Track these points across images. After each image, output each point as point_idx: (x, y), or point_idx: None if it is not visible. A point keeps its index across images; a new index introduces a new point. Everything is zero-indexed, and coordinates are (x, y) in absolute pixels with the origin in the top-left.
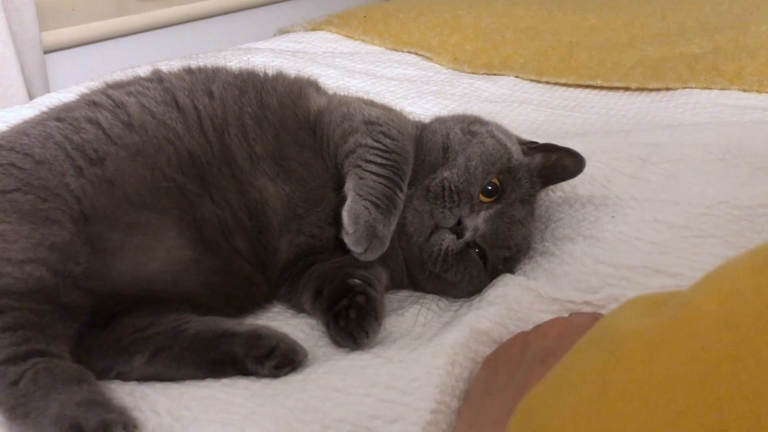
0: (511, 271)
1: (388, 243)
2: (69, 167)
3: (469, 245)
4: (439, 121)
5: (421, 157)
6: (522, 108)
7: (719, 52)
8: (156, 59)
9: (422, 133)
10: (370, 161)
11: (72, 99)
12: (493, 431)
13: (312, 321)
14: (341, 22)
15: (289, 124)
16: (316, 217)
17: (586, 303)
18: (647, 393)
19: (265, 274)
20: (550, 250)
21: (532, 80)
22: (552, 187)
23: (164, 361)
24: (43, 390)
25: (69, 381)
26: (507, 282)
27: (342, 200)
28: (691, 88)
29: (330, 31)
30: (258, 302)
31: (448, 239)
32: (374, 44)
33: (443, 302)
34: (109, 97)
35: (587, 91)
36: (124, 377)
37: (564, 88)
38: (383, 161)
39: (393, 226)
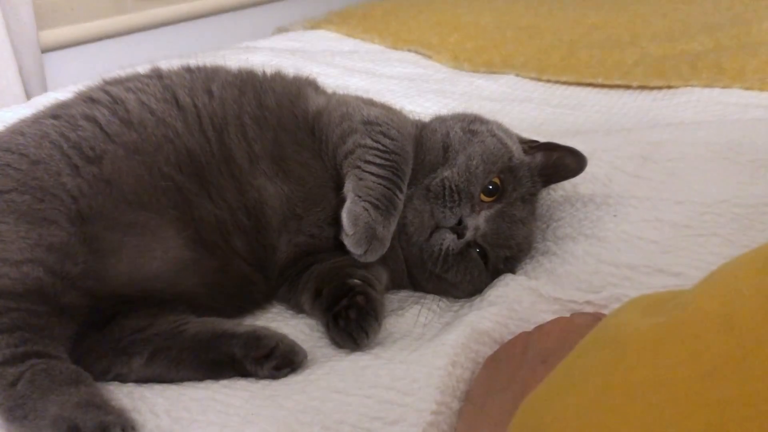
0: (513, 270)
1: (388, 244)
2: (65, 166)
3: (469, 245)
4: (439, 120)
5: (420, 156)
6: (523, 106)
7: (721, 49)
8: (154, 58)
9: (422, 133)
10: (369, 162)
11: (70, 96)
12: None
13: (311, 321)
14: (340, 20)
15: (287, 124)
16: (316, 216)
17: (588, 303)
18: (649, 393)
19: (264, 274)
20: (551, 249)
21: (533, 78)
22: (553, 186)
23: (163, 363)
24: (41, 391)
25: (67, 382)
26: (508, 282)
27: (341, 201)
28: (692, 86)
29: (329, 29)
30: (257, 302)
31: (448, 239)
32: (374, 43)
33: (444, 302)
34: (107, 93)
35: (588, 89)
36: (122, 378)
37: (565, 86)
38: (382, 161)
39: (393, 227)
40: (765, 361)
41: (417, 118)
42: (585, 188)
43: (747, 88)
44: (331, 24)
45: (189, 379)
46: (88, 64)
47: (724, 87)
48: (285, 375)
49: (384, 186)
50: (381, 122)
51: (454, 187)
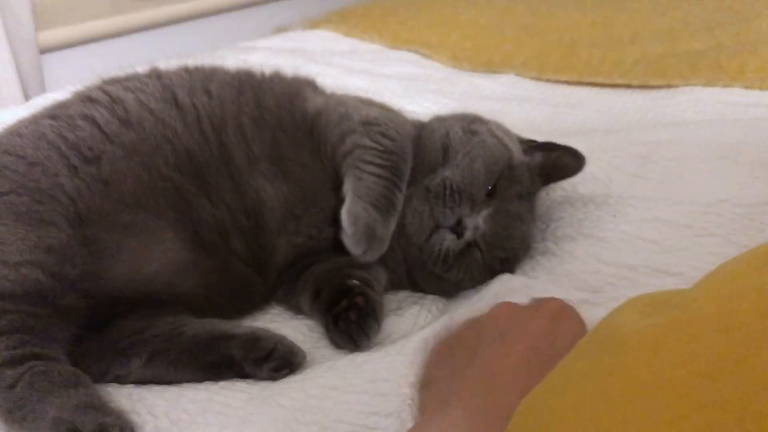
0: (512, 269)
1: (387, 244)
2: (63, 167)
3: (469, 245)
4: (438, 120)
5: (420, 156)
6: (522, 106)
7: (721, 48)
8: (153, 58)
9: (421, 133)
10: (368, 162)
11: (68, 97)
12: (472, 404)
13: (310, 322)
14: (339, 20)
15: (286, 124)
16: (315, 217)
17: (585, 301)
18: (648, 394)
19: (262, 275)
20: (550, 249)
21: (533, 78)
22: (552, 185)
23: (162, 364)
24: (40, 394)
25: (65, 384)
26: (505, 281)
27: (340, 201)
28: (693, 85)
29: (328, 29)
30: (256, 303)
31: (448, 239)
32: (373, 42)
33: (442, 303)
34: (105, 92)
35: (588, 88)
36: (121, 380)
37: (565, 85)
38: (381, 162)
39: (392, 227)
40: (764, 360)
41: (416, 118)
42: (584, 188)
43: (747, 87)
44: (330, 24)
45: (188, 381)
46: (87, 65)
47: (724, 86)
48: (284, 376)
49: (383, 186)
50: (380, 122)
51: (455, 187)
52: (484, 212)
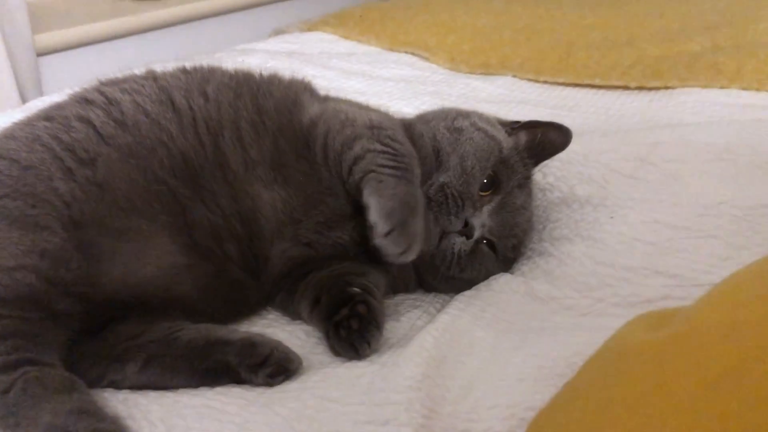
0: (519, 255)
1: (422, 241)
2: (57, 170)
3: (478, 241)
4: (422, 121)
5: None
6: (520, 108)
7: (719, 50)
8: (151, 61)
9: (411, 138)
10: (384, 165)
11: (64, 98)
12: None
13: (307, 327)
14: (337, 22)
15: (286, 131)
16: (315, 220)
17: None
18: (653, 404)
19: (258, 280)
20: (548, 250)
21: (530, 80)
22: (550, 187)
23: (157, 370)
24: (34, 399)
25: (60, 390)
26: (503, 282)
27: (340, 207)
28: (690, 86)
29: (326, 31)
30: (252, 308)
31: (458, 242)
32: (371, 44)
33: (440, 304)
34: (102, 94)
35: (585, 90)
36: (116, 385)
37: (562, 87)
38: (397, 164)
39: (422, 225)
40: (767, 370)
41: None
42: (582, 190)
43: (745, 89)
44: (328, 26)
45: (184, 386)
46: (84, 68)
47: (721, 87)
48: (280, 382)
49: (405, 186)
50: (385, 126)
51: (455, 193)
52: (487, 207)
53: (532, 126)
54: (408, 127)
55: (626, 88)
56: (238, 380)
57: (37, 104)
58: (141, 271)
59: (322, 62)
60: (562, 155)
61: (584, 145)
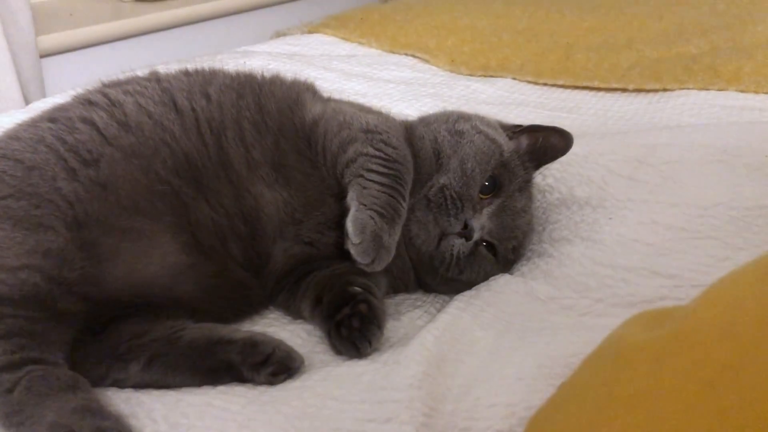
0: (519, 257)
1: (393, 252)
2: (61, 170)
3: (477, 243)
4: (424, 123)
5: (414, 165)
6: (519, 110)
7: (716, 52)
8: (153, 63)
9: (411, 140)
10: (372, 170)
11: (67, 100)
12: None
13: (309, 327)
14: (338, 24)
15: (288, 131)
16: (316, 221)
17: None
18: (651, 402)
19: (260, 279)
20: (548, 251)
21: (530, 82)
22: (549, 188)
23: (160, 368)
24: (38, 398)
25: (64, 388)
26: (503, 283)
27: (341, 207)
28: (688, 89)
29: (327, 33)
30: (254, 307)
31: (458, 244)
32: (371, 47)
33: (440, 304)
34: (105, 95)
35: (584, 92)
36: (120, 384)
37: (561, 89)
38: (385, 170)
39: (398, 236)
40: (764, 369)
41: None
42: (581, 191)
43: (742, 91)
44: (329, 28)
45: (186, 385)
46: (87, 69)
47: (719, 90)
48: (282, 381)
49: (388, 194)
50: (381, 130)
51: (455, 195)
52: (487, 210)
53: (533, 130)
54: (409, 129)
55: (625, 90)
56: (241, 379)
57: (40, 105)
58: (144, 271)
59: (323, 64)
60: (561, 157)
61: (583, 147)
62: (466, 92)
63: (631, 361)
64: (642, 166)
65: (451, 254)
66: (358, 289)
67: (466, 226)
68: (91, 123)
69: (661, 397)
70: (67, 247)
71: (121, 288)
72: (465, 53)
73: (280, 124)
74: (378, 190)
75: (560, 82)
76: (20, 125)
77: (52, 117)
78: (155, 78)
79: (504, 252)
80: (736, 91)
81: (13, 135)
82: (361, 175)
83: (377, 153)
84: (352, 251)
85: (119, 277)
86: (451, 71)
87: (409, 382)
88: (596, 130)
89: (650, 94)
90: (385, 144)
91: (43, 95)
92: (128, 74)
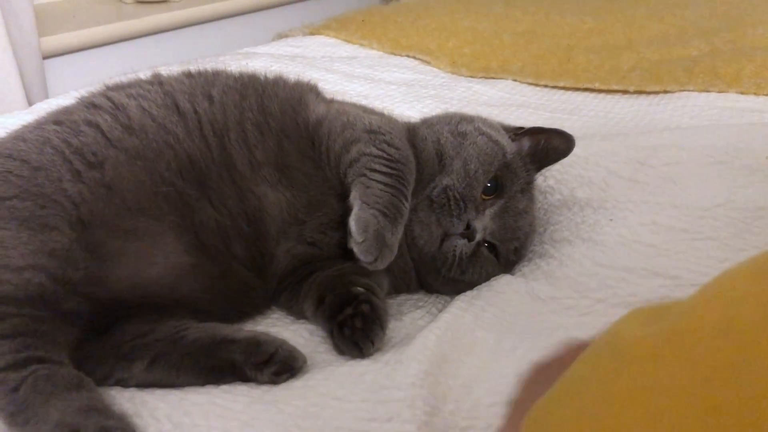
0: (521, 258)
1: (396, 251)
2: (66, 172)
3: (479, 244)
4: (426, 125)
5: (417, 165)
6: (520, 111)
7: (717, 54)
8: (155, 64)
9: (414, 142)
10: (375, 170)
11: (71, 102)
12: None
13: (311, 326)
14: (339, 26)
15: (290, 131)
16: (319, 221)
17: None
18: (650, 399)
19: (263, 279)
20: (549, 252)
21: (530, 83)
22: (550, 190)
23: (163, 368)
24: (43, 397)
25: (68, 388)
26: (504, 283)
27: (344, 207)
28: (689, 90)
29: (328, 35)
30: (257, 307)
31: (460, 244)
32: (372, 48)
33: (441, 304)
34: (109, 99)
35: (585, 94)
36: (123, 383)
37: (562, 91)
38: (388, 170)
39: (400, 235)
40: (763, 365)
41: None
42: (582, 192)
43: (743, 93)
44: (330, 30)
45: (190, 384)
46: (89, 71)
47: (719, 92)
48: (285, 380)
49: (390, 194)
50: (384, 131)
51: (457, 195)
52: (489, 210)
53: (535, 132)
54: (411, 130)
55: (625, 92)
56: (244, 378)
57: (43, 106)
58: (148, 271)
59: (325, 66)
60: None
61: (584, 149)
62: (467, 94)
63: (629, 357)
64: (643, 167)
65: (454, 255)
66: (360, 289)
67: (468, 226)
68: (96, 126)
69: (659, 394)
70: (71, 247)
71: (125, 288)
72: (466, 55)
73: (283, 125)
74: (381, 190)
75: (561, 84)
76: (25, 127)
77: (57, 120)
78: (158, 81)
79: (506, 253)
80: (737, 92)
81: (19, 136)
82: (364, 175)
83: (380, 153)
84: (355, 250)
85: (123, 277)
86: (452, 73)
87: (410, 381)
88: (597, 131)
89: (651, 96)
90: (388, 144)
91: (46, 96)
92: (131, 76)
